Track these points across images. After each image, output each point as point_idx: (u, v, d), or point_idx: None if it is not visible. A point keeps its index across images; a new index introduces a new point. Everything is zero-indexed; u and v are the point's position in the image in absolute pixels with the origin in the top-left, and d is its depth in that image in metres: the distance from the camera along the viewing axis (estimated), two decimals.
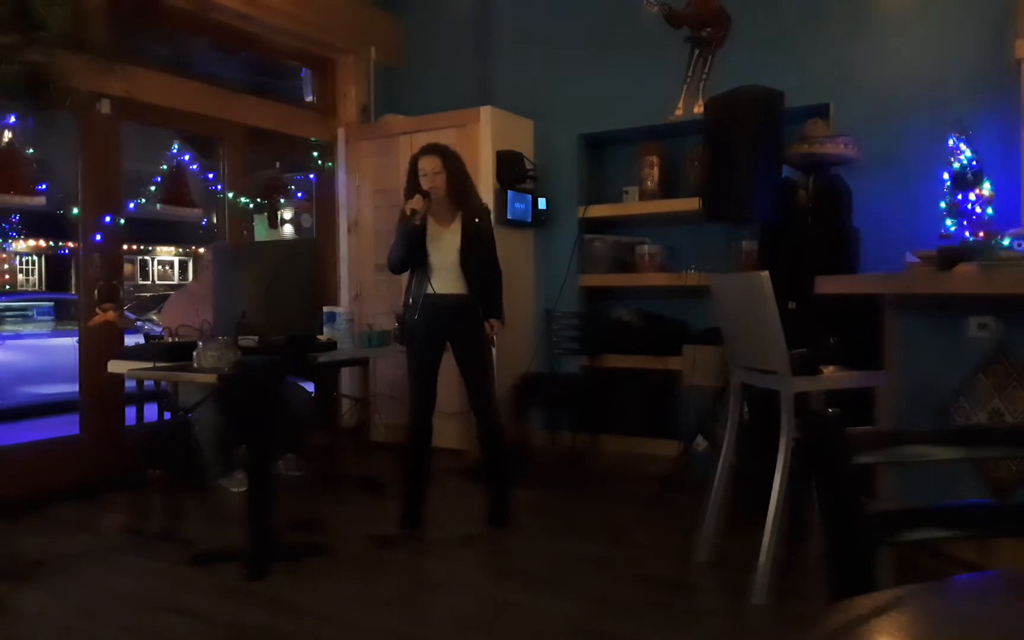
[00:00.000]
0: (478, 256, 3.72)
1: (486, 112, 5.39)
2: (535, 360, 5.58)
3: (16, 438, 4.56)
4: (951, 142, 4.17)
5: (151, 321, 8.42)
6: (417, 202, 3.60)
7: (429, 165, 3.67)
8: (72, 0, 3.85)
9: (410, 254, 3.70)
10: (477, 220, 3.74)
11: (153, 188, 5.23)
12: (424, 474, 3.80)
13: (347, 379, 5.68)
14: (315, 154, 6.15)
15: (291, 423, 4.48)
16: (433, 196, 3.65)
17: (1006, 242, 2.90)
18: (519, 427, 5.17)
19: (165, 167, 5.24)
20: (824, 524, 1.08)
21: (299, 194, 6.73)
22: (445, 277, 3.70)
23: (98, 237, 4.62)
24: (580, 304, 5.58)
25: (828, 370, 3.08)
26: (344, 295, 6.01)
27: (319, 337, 3.97)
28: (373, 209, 5.88)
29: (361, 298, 5.90)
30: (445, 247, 3.70)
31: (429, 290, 3.70)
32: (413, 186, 3.70)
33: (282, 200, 6.62)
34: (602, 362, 5.44)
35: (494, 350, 3.93)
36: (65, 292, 13.70)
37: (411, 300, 3.75)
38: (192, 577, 3.29)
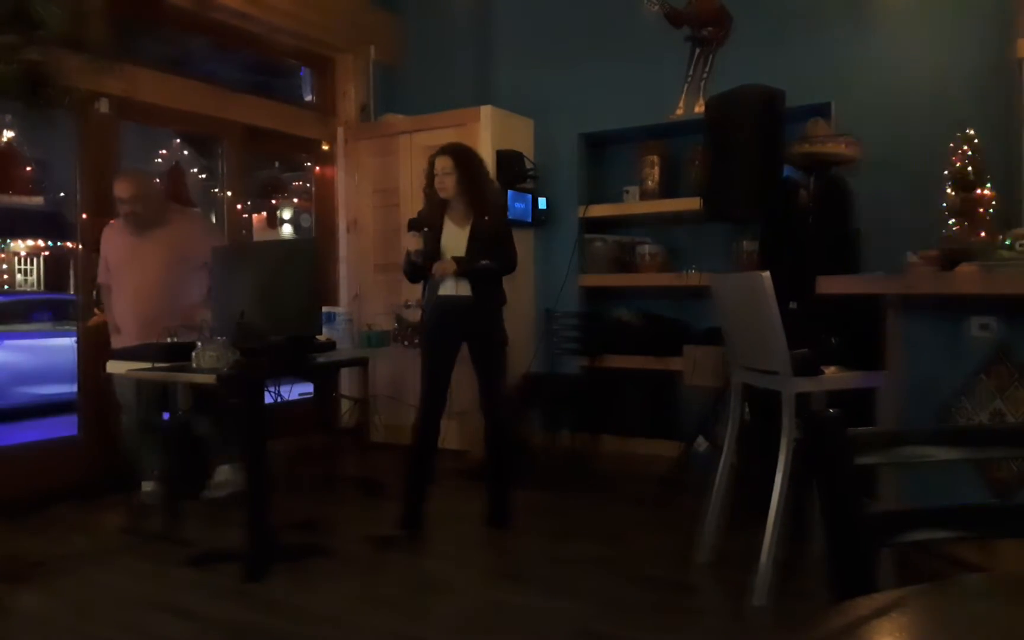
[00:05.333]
0: (484, 257, 3.69)
1: (486, 112, 5.39)
2: (535, 360, 5.57)
3: (15, 438, 4.55)
4: (952, 142, 4.16)
5: None
6: (411, 241, 3.66)
7: (440, 165, 3.69)
8: (71, 0, 3.85)
9: (417, 277, 3.77)
10: (486, 218, 3.72)
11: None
12: (427, 475, 3.79)
13: (346, 380, 5.69)
14: (314, 154, 6.15)
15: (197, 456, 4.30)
16: (443, 196, 3.69)
17: (1008, 242, 2.89)
18: (519, 427, 5.17)
19: (163, 164, 5.24)
20: (825, 525, 1.07)
21: (298, 194, 6.73)
22: (453, 279, 3.70)
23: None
24: (580, 304, 5.57)
25: (829, 370, 3.07)
26: (343, 295, 6.00)
27: (318, 337, 3.96)
28: (372, 209, 5.87)
29: (360, 298, 5.90)
30: (455, 247, 3.70)
31: (441, 291, 3.71)
32: (430, 185, 3.74)
33: (281, 200, 6.61)
34: (602, 362, 5.43)
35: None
36: (63, 292, 13.68)
37: (426, 299, 3.78)
38: (191, 578, 3.28)
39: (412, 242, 3.68)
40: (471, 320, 3.71)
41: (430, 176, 3.73)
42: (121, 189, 4.11)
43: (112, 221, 4.30)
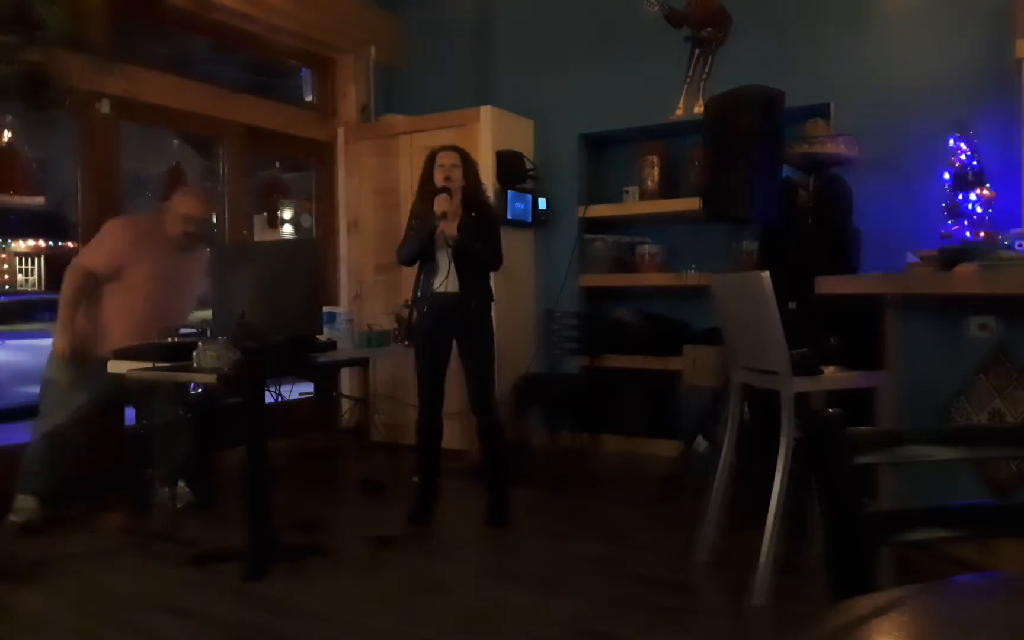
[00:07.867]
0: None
1: (486, 112, 5.39)
2: (535, 360, 5.57)
3: (16, 438, 4.53)
4: (951, 142, 4.17)
5: None
6: (443, 202, 3.67)
7: (448, 159, 3.78)
8: (72, 0, 3.85)
9: (423, 251, 3.79)
10: (473, 213, 3.77)
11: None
12: (435, 469, 3.86)
13: (347, 380, 5.69)
14: (315, 154, 6.15)
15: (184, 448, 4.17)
16: (452, 188, 3.74)
17: (1007, 242, 2.90)
18: (519, 427, 5.17)
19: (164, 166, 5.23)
20: (824, 525, 1.08)
21: (298, 194, 6.73)
22: (444, 275, 3.76)
23: None
24: (580, 304, 5.57)
25: (829, 370, 3.08)
26: (344, 295, 6.00)
27: (319, 337, 3.96)
28: (373, 209, 5.87)
29: (361, 298, 5.89)
30: (444, 245, 3.74)
31: (432, 288, 3.77)
32: (428, 181, 3.80)
33: (282, 200, 6.59)
34: (602, 362, 5.44)
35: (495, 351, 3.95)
36: None
37: (418, 295, 3.84)
38: (191, 577, 3.28)
39: (446, 203, 3.67)
40: (460, 317, 3.77)
41: (429, 170, 3.80)
42: (197, 208, 4.15)
43: (137, 218, 4.27)
